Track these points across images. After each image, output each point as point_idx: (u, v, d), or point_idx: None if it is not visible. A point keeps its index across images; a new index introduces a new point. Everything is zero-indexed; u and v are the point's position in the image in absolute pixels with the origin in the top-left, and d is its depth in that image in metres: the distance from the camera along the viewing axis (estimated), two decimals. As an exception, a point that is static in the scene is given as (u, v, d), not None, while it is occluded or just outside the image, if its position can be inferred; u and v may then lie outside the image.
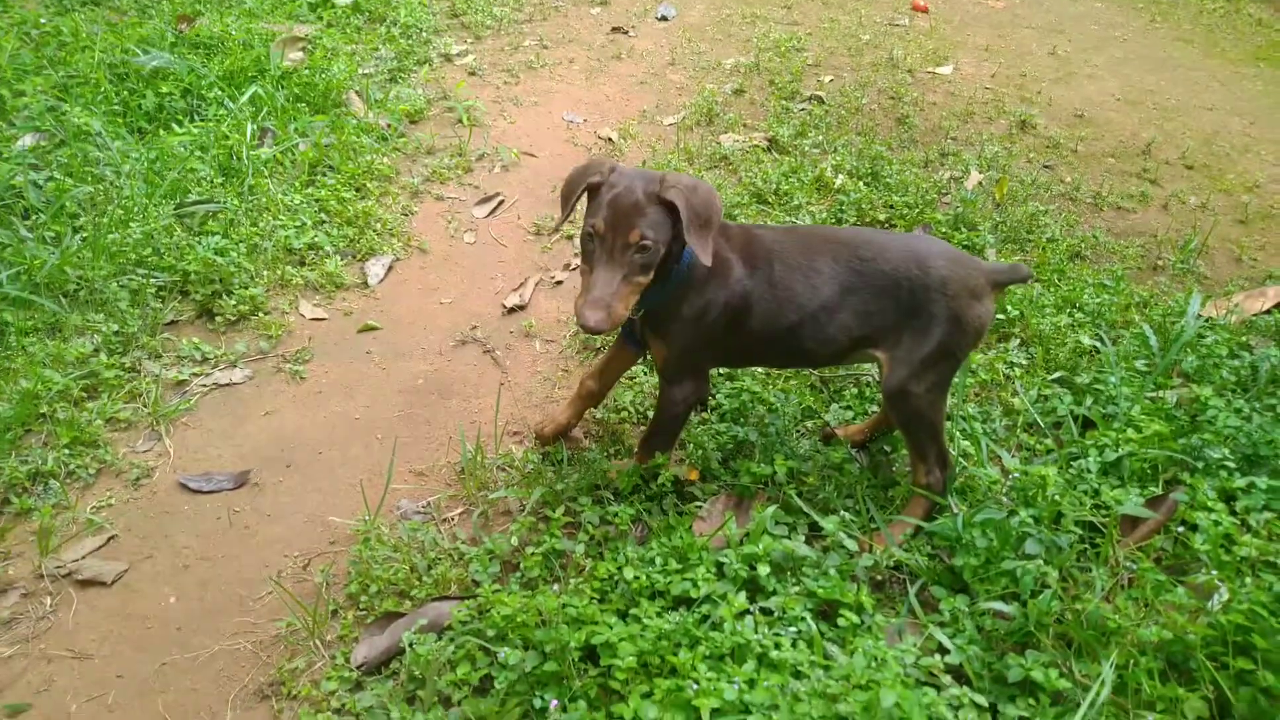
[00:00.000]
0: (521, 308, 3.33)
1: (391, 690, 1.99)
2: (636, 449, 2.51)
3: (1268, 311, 3.28)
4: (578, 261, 3.59)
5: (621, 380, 2.91)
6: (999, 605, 2.09)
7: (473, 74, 5.08)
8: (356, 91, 4.40)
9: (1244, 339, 3.13)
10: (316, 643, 2.13)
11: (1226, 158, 4.78)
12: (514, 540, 2.31)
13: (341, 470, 2.62)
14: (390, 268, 3.46)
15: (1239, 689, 1.97)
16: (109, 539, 2.38)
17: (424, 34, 5.38)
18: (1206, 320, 3.23)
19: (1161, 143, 4.85)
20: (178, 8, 4.76)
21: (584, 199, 2.19)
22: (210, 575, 2.32)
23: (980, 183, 4.24)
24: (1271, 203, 4.37)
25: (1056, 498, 2.29)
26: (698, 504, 2.46)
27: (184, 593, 2.27)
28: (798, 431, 2.77)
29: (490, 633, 2.00)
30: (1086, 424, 2.78)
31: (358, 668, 2.05)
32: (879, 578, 2.32)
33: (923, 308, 2.24)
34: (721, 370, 2.92)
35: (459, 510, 2.52)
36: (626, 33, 5.83)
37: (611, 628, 1.97)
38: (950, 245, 2.41)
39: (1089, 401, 2.79)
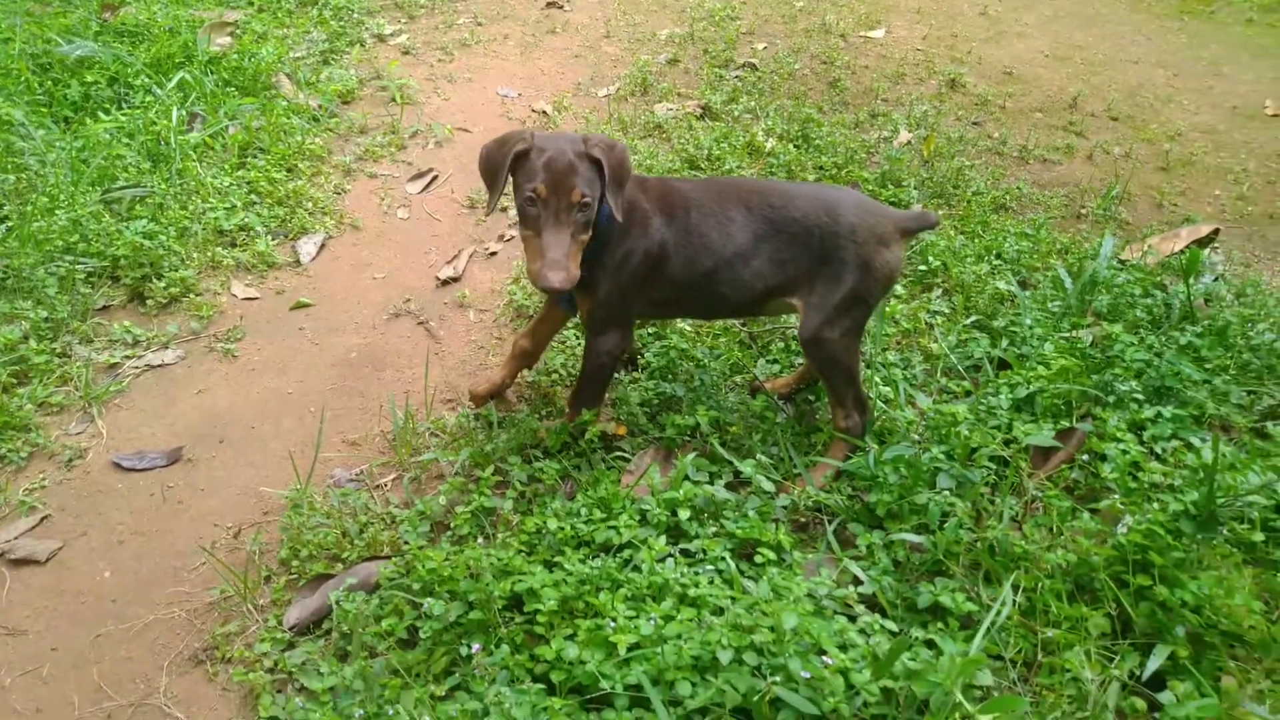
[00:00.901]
0: (456, 279, 3.36)
1: (322, 648, 2.03)
2: (566, 408, 2.57)
3: (1181, 252, 3.38)
4: (512, 232, 3.64)
5: (554, 344, 2.96)
6: (910, 536, 2.18)
7: (406, 53, 5.08)
8: (287, 74, 4.39)
9: (1159, 279, 3.23)
10: (249, 607, 2.17)
11: (1150, 108, 4.89)
12: (443, 500, 2.35)
13: (274, 443, 2.65)
14: (323, 246, 3.48)
15: (1139, 605, 2.07)
16: (42, 519, 2.40)
17: (356, 16, 5.36)
18: (1122, 263, 3.34)
19: (1088, 96, 4.96)
20: (102, -3, 4.71)
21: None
22: (144, 549, 2.35)
23: (909, 141, 4.32)
24: (1192, 150, 4.49)
25: (966, 433, 2.37)
26: (624, 458, 2.52)
27: (118, 567, 2.30)
28: (726, 386, 2.84)
29: (416, 587, 2.04)
30: (1004, 366, 2.87)
31: (290, 629, 2.10)
32: (801, 520, 2.39)
33: (833, 254, 2.32)
34: (649, 329, 2.98)
35: (391, 476, 2.56)
36: (561, 7, 5.84)
37: (535, 575, 2.02)
38: (859, 193, 2.48)
39: (1004, 343, 2.88)
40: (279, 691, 1.98)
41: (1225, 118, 4.84)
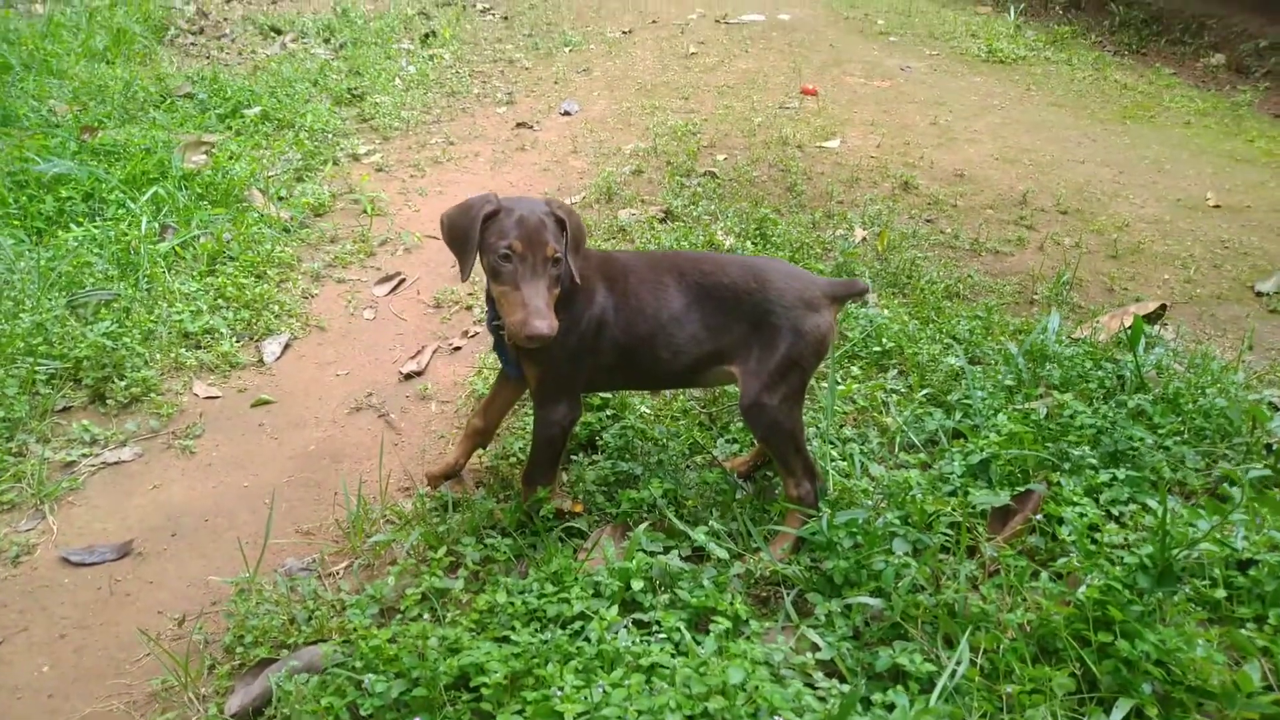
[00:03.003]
0: (419, 373, 3.39)
1: (263, 735, 1.96)
2: (521, 483, 2.56)
3: (1128, 327, 3.45)
4: (477, 328, 3.70)
5: (512, 429, 2.97)
6: (867, 599, 2.14)
7: (379, 170, 5.25)
8: (260, 189, 4.52)
9: (1109, 354, 3.29)
10: (190, 696, 2.10)
11: (1098, 202, 5.07)
12: (392, 581, 2.31)
13: (227, 535, 2.61)
14: (287, 345, 3.51)
15: (1102, 663, 2.03)
16: (-18, 616, 2.34)
17: (332, 137, 5.56)
18: (1075, 341, 3.40)
19: (1037, 193, 5.15)
20: (83, 120, 4.88)
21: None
22: (86, 642, 2.28)
23: (865, 238, 4.45)
24: (1140, 238, 4.63)
25: (919, 496, 2.37)
26: (581, 535, 2.49)
27: (58, 661, 2.23)
28: (685, 466, 2.84)
29: (359, 665, 1.99)
30: (959, 437, 2.89)
31: (231, 717, 2.03)
32: (761, 594, 2.36)
33: (764, 320, 2.37)
34: (607, 411, 2.99)
35: (344, 564, 2.52)
36: (531, 127, 6.08)
37: (483, 649, 1.98)
38: (788, 263, 2.56)
39: (958, 416, 2.91)
40: (216, 782, 1.90)
41: (1170, 209, 5.02)
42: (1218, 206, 5.08)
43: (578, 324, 2.38)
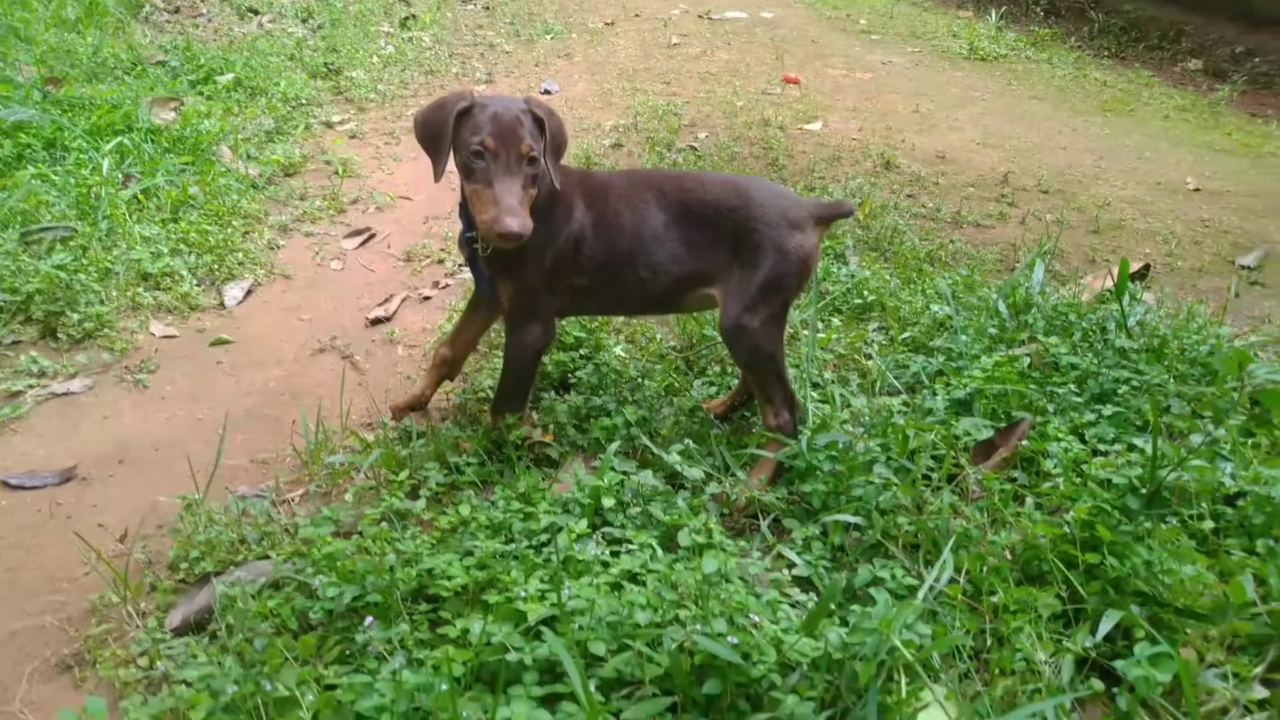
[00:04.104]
0: (387, 319, 3.28)
1: (205, 646, 1.84)
2: (489, 413, 2.45)
3: (1111, 289, 3.40)
4: (449, 280, 3.60)
5: (480, 364, 2.87)
6: (847, 517, 2.05)
7: (353, 137, 5.14)
8: (229, 147, 4.40)
9: (1094, 309, 3.23)
10: (129, 610, 1.97)
11: (1079, 184, 5.05)
12: (350, 498, 2.20)
13: (178, 465, 2.47)
14: (250, 291, 3.39)
15: (1089, 584, 1.95)
16: (-89, 534, 2.20)
17: (305, 106, 5.45)
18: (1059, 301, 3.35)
19: (1019, 174, 5.11)
20: (44, 69, 4.75)
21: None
22: (22, 561, 2.15)
23: (847, 208, 4.38)
24: (1121, 216, 4.60)
25: (900, 422, 2.29)
26: (552, 467, 2.39)
27: (-11, 580, 2.10)
28: (661, 405, 2.74)
29: (311, 571, 1.87)
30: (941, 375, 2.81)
31: (171, 631, 1.90)
32: (737, 526, 2.26)
33: (746, 238, 2.29)
34: (581, 351, 2.89)
35: (299, 492, 2.40)
36: (510, 104, 6.00)
37: (445, 559, 1.87)
38: (773, 183, 2.49)
39: (941, 359, 2.83)
40: (153, 692, 1.77)
41: (1150, 191, 5.00)
42: (1198, 190, 5.07)
43: (555, 239, 2.29)
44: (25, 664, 1.88)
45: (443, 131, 2.14)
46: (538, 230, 2.24)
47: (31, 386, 2.75)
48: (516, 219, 2.03)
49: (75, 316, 2.98)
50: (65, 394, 2.75)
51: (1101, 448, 2.44)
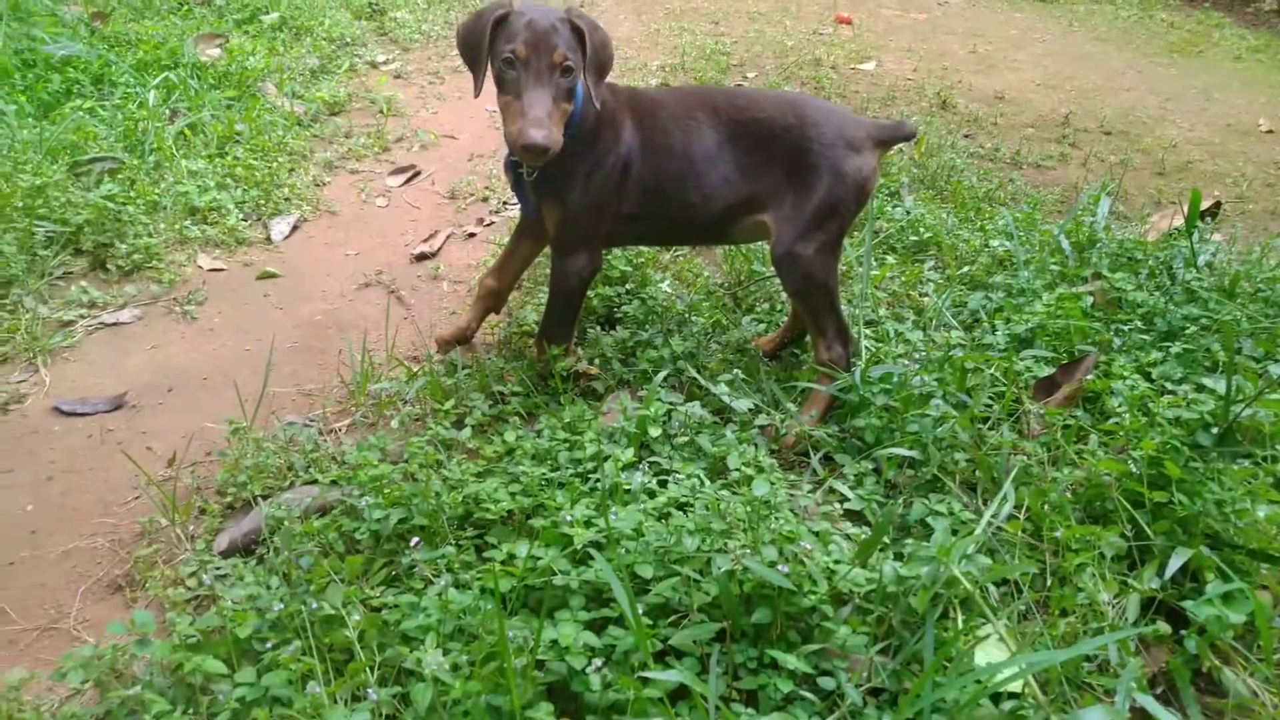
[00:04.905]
0: (432, 255, 3.25)
1: (252, 567, 1.84)
2: (534, 343, 2.42)
3: (1179, 228, 3.26)
4: (494, 218, 3.55)
5: (524, 300, 2.83)
6: (902, 450, 1.99)
7: (398, 77, 5.09)
8: (274, 84, 4.37)
9: (1160, 247, 3.10)
10: (178, 533, 1.98)
11: (1144, 125, 4.86)
12: (396, 425, 2.18)
13: (226, 393, 2.47)
14: (296, 226, 3.38)
15: (1155, 524, 1.87)
16: (-34, 456, 2.23)
17: (350, 45, 5.40)
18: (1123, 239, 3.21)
19: (1080, 115, 4.93)
20: (93, 6, 4.74)
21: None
22: (74, 485, 2.17)
23: (900, 148, 4.25)
24: (1188, 157, 4.42)
25: (959, 355, 2.21)
26: (597, 400, 2.35)
27: (43, 501, 2.12)
28: (709, 341, 2.68)
29: (357, 494, 1.86)
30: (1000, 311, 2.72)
31: (219, 554, 1.90)
32: (787, 462, 2.20)
33: (801, 160, 2.19)
34: (626, 286, 2.83)
35: (346, 422, 2.39)
36: (555, 45, 5.89)
37: (488, 484, 1.84)
38: (830, 102, 2.39)
39: (1000, 295, 2.74)
40: (201, 611, 1.78)
41: (1220, 133, 4.80)
42: (1270, 132, 4.85)
43: (601, 163, 2.22)
44: (79, 583, 1.90)
45: (480, 41, 2.06)
46: (583, 152, 2.18)
47: (82, 316, 2.77)
48: (542, 130, 1.94)
49: (124, 248, 2.98)
50: (115, 324, 2.76)
51: (1169, 387, 2.34)
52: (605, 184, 2.22)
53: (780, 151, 2.21)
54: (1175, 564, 1.72)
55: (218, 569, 1.82)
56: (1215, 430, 1.96)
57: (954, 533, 1.82)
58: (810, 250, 2.19)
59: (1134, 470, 1.90)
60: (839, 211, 2.20)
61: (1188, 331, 2.50)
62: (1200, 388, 2.30)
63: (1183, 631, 1.68)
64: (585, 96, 2.14)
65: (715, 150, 2.23)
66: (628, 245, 2.79)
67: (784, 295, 2.89)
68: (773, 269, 2.94)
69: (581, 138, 2.16)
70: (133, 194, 3.19)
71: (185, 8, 5.43)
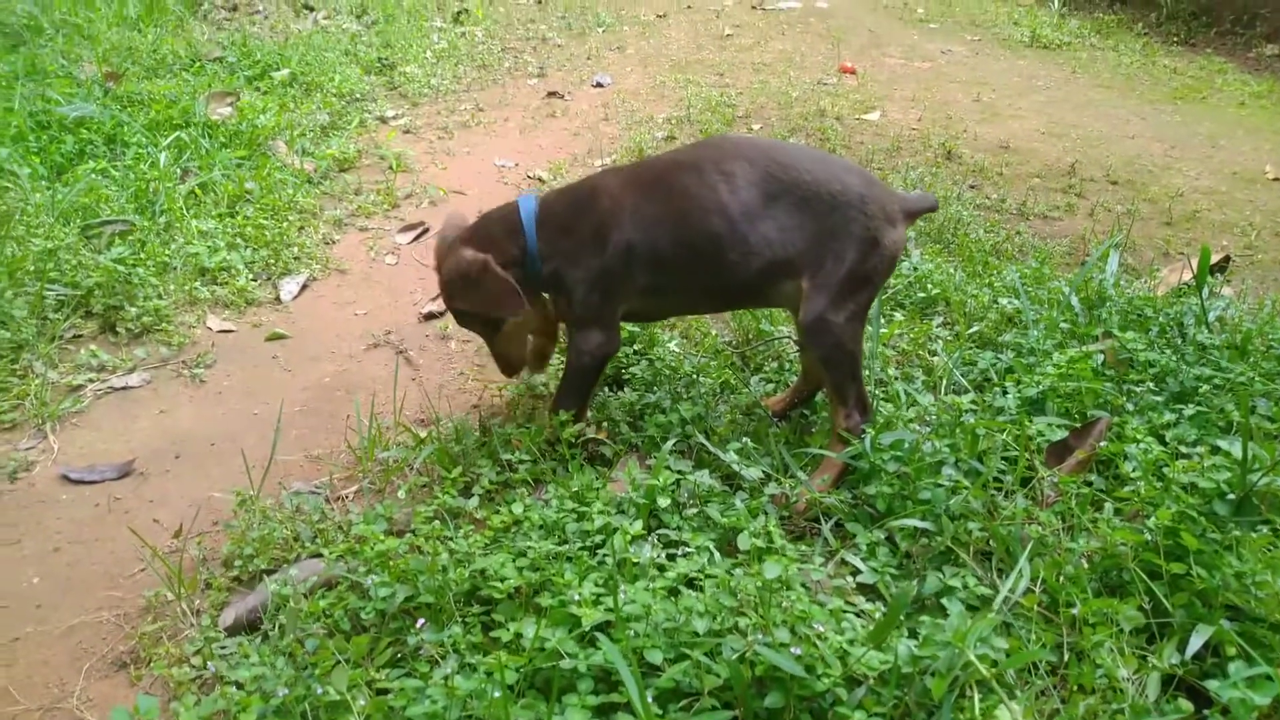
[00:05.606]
0: (440, 314, 3.25)
1: (257, 646, 1.81)
2: (547, 412, 2.41)
3: (1188, 282, 3.25)
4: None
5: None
6: (915, 521, 1.97)
7: (407, 132, 5.14)
8: (285, 142, 4.42)
9: (1170, 303, 3.08)
10: (184, 607, 1.96)
11: (1150, 174, 4.86)
12: (403, 495, 2.17)
13: (233, 460, 2.47)
14: (305, 285, 3.39)
15: (1174, 595, 1.84)
16: (-27, 527, 2.22)
17: (360, 101, 5.47)
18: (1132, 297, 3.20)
19: (1086, 164, 4.94)
20: (106, 66, 4.82)
21: None
22: (80, 556, 2.16)
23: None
24: (1196, 207, 4.42)
25: (970, 421, 2.19)
26: (606, 465, 2.34)
27: (49, 573, 2.10)
28: (718, 402, 2.67)
29: (363, 570, 1.84)
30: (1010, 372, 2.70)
31: (224, 630, 1.88)
32: (797, 530, 2.18)
33: (843, 229, 2.16)
34: (634, 347, 2.83)
35: (353, 489, 2.38)
36: (562, 97, 5.96)
37: (496, 558, 1.82)
38: (861, 167, 2.39)
39: (1010, 354, 2.72)
40: (206, 692, 1.76)
41: (1226, 181, 4.80)
42: (1277, 180, 4.85)
43: (595, 262, 2.24)
44: (83, 660, 1.88)
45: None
46: (571, 266, 2.27)
47: (91, 380, 2.78)
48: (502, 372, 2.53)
49: (134, 310, 3.00)
50: (124, 388, 2.77)
51: (1183, 450, 2.32)
52: (605, 276, 2.24)
53: (822, 217, 2.17)
54: (1196, 643, 1.68)
55: (222, 648, 1.80)
56: (1231, 498, 1.93)
57: (971, 607, 1.80)
58: (841, 318, 2.16)
59: (1150, 540, 1.87)
60: (872, 281, 2.19)
61: (1201, 391, 2.48)
62: (1215, 449, 2.27)
63: (1205, 711, 1.64)
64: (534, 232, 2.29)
65: (756, 207, 2.17)
66: (657, 318, 2.74)
67: (793, 355, 2.88)
68: (781, 329, 2.96)
69: (564, 252, 2.28)
70: (143, 255, 3.21)
71: (197, 65, 5.52)
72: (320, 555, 2.00)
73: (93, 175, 3.59)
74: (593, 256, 2.23)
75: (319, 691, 1.53)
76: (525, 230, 2.29)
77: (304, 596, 1.82)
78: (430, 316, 3.24)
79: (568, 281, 2.28)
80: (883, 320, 3.01)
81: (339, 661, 1.62)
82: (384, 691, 1.60)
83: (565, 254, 2.27)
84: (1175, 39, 8.30)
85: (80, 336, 2.97)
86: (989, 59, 7.38)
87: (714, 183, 2.19)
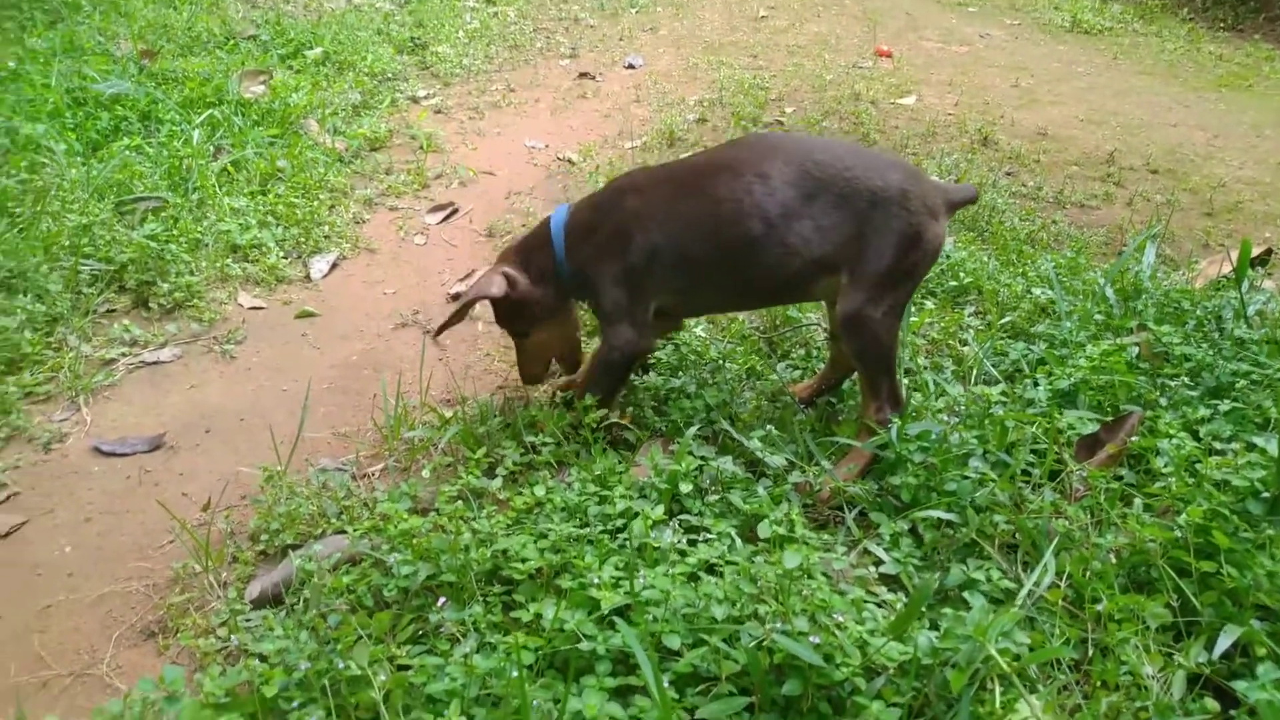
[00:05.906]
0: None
1: (281, 619, 1.84)
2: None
3: (1227, 275, 3.19)
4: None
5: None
6: (939, 513, 1.95)
7: (438, 112, 5.15)
8: (316, 120, 4.44)
9: (1208, 296, 3.02)
10: (211, 580, 1.99)
11: (1191, 163, 4.77)
12: (427, 474, 2.18)
13: (262, 435, 2.49)
14: (335, 264, 3.41)
15: (1203, 594, 1.81)
16: (9, 496, 2.27)
17: (391, 80, 5.48)
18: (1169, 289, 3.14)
19: (1125, 153, 4.85)
20: (141, 44, 4.86)
21: None
22: (111, 527, 2.19)
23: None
24: (1238, 197, 4.33)
25: (999, 413, 2.16)
26: (630, 449, 2.34)
27: (81, 543, 2.14)
28: (743, 388, 2.66)
29: (386, 548, 1.86)
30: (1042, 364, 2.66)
31: (250, 603, 1.91)
32: (820, 518, 2.17)
33: (883, 223, 2.12)
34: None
35: (379, 467, 2.40)
36: (594, 78, 5.94)
37: (517, 539, 1.83)
38: (903, 159, 2.35)
39: (1042, 345, 2.68)
40: (230, 663, 1.78)
41: (1270, 171, 4.69)
42: (1324, 171, 4.73)
43: (620, 266, 2.24)
44: (113, 628, 1.92)
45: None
46: (594, 265, 2.29)
47: (124, 354, 2.81)
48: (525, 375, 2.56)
49: (166, 286, 3.03)
50: (155, 362, 2.80)
51: (1217, 446, 2.27)
52: (632, 278, 2.25)
53: (862, 213, 2.12)
54: (1225, 642, 1.66)
55: (247, 620, 1.83)
56: (1266, 497, 1.89)
57: (994, 600, 1.78)
58: (879, 313, 2.13)
59: (1179, 537, 1.84)
60: (912, 276, 2.16)
61: (1238, 387, 2.43)
62: (1250, 446, 2.23)
63: (1232, 712, 1.61)
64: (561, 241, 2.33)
65: (795, 206, 2.13)
66: (699, 315, 2.81)
67: (821, 341, 2.86)
68: (809, 316, 2.94)
69: (589, 257, 2.30)
70: (175, 232, 3.24)
71: (231, 43, 5.55)
72: (345, 532, 2.01)
73: (127, 152, 3.63)
74: (616, 255, 2.24)
75: (341, 666, 1.54)
76: (554, 240, 2.34)
77: (328, 572, 1.84)
78: (457, 297, 3.25)
79: (594, 280, 2.29)
80: (913, 308, 2.98)
81: (361, 637, 1.63)
82: (405, 668, 1.61)
83: (589, 255, 2.29)
84: (1222, 24, 8.12)
85: (113, 311, 3.01)
86: (1028, 43, 7.26)
87: (750, 185, 2.14)
